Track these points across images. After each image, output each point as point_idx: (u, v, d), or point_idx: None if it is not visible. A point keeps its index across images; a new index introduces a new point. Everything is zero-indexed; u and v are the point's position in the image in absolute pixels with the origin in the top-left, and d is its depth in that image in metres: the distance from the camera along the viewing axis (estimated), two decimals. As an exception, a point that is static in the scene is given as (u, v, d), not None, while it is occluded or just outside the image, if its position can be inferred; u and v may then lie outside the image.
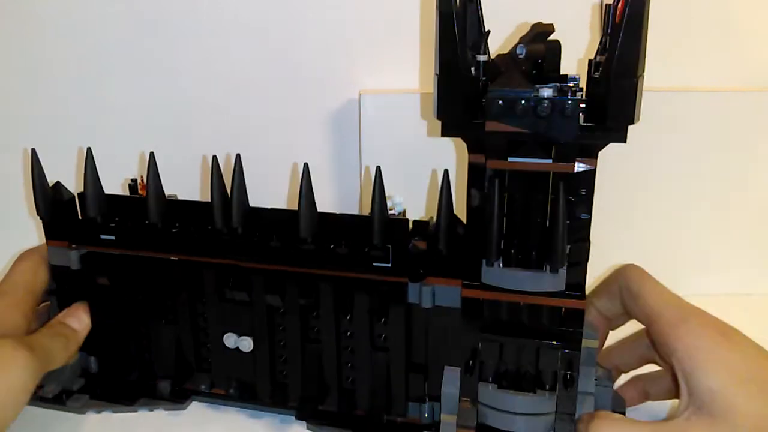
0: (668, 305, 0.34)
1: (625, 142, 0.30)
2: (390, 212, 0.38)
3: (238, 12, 0.52)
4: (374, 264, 0.37)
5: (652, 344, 0.37)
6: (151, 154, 0.38)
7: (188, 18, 0.52)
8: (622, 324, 0.40)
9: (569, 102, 0.30)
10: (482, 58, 0.34)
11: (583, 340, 0.37)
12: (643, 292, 0.36)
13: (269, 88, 0.54)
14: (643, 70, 0.30)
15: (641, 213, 0.55)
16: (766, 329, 0.35)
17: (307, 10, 0.52)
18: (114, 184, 0.43)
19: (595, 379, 0.37)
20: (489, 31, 0.35)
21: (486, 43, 0.36)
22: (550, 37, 0.33)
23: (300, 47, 0.53)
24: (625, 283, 0.37)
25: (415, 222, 0.38)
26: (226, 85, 0.54)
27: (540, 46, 0.32)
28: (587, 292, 0.36)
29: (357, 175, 0.56)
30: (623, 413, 0.38)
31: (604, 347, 0.42)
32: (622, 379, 0.42)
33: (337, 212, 0.38)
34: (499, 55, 0.35)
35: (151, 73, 0.54)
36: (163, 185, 0.39)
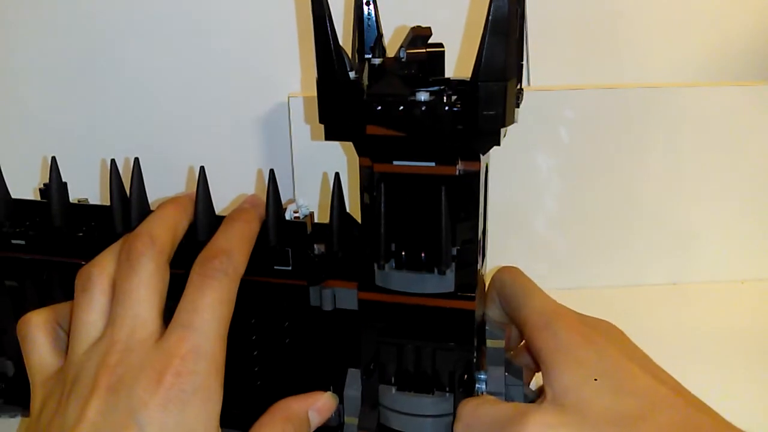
0: (534, 311, 0.35)
1: (499, 144, 0.31)
2: (295, 215, 0.38)
3: (158, 12, 0.52)
4: (275, 267, 0.37)
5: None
6: (53, 159, 0.38)
7: (104, 18, 0.52)
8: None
9: (444, 106, 0.30)
10: (376, 61, 0.35)
11: (488, 340, 0.38)
12: (513, 297, 0.37)
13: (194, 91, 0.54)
14: (515, 73, 0.30)
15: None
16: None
17: (231, 11, 0.53)
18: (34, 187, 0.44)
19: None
20: (381, 34, 0.36)
21: (381, 46, 0.36)
22: (435, 41, 0.33)
23: (227, 49, 0.54)
24: (500, 289, 0.38)
25: (315, 225, 0.38)
26: (148, 90, 0.54)
27: (421, 50, 0.32)
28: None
29: (290, 179, 0.56)
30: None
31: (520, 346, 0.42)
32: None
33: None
34: (388, 58, 0.35)
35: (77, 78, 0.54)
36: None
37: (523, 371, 0.40)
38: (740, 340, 0.49)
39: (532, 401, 0.38)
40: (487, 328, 0.38)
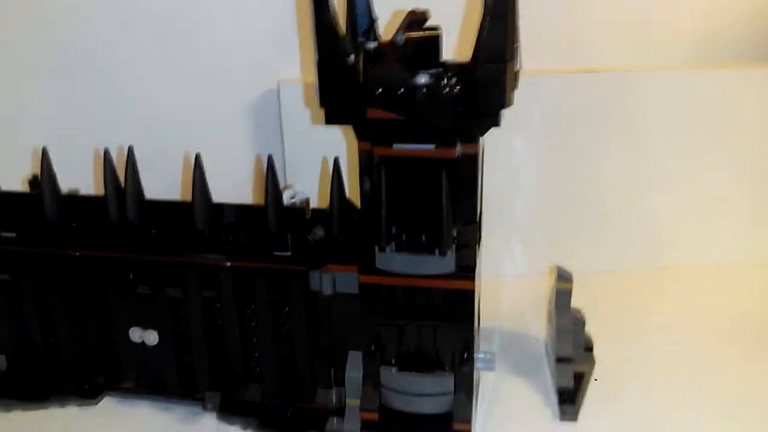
0: None
1: (498, 125, 0.31)
2: (291, 201, 0.39)
3: (150, 3, 0.51)
4: (274, 253, 0.37)
5: None
6: (44, 150, 0.38)
7: (96, 8, 0.51)
8: None
9: (444, 88, 0.30)
10: (371, 45, 0.35)
11: (558, 282, 0.41)
12: None
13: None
14: (513, 56, 0.30)
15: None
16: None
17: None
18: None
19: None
20: (377, 18, 0.36)
21: (375, 30, 0.36)
22: (432, 24, 0.33)
23: (215, 36, 0.53)
24: None
25: (314, 210, 0.38)
26: (136, 78, 0.53)
27: (418, 33, 0.33)
28: None
29: (281, 165, 0.56)
30: (591, 349, 0.44)
31: None
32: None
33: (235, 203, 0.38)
34: (383, 42, 0.35)
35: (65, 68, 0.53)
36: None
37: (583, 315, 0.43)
38: (725, 324, 0.50)
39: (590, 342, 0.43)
40: (560, 271, 0.41)
